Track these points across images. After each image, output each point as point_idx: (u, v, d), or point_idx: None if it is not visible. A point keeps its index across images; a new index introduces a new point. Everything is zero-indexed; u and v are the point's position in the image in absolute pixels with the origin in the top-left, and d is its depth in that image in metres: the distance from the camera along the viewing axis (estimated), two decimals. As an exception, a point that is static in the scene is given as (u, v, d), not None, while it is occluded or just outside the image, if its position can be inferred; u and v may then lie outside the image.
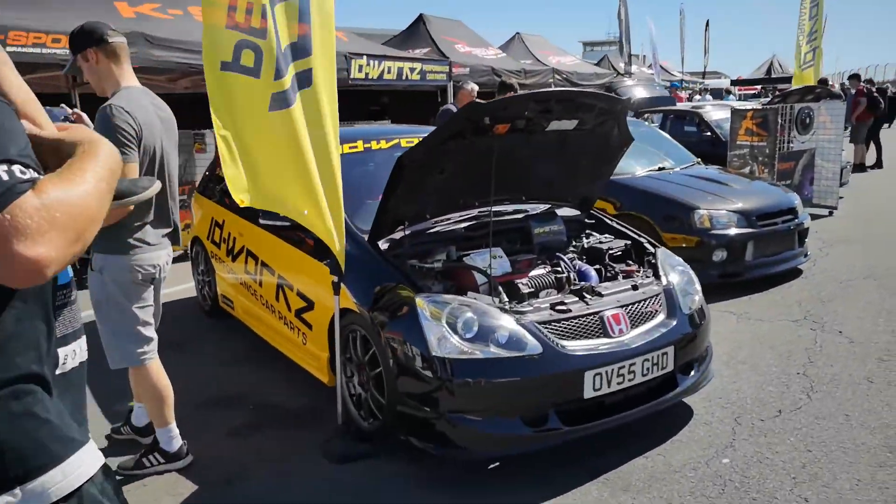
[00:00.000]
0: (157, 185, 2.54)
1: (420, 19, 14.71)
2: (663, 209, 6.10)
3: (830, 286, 6.04)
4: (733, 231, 5.91)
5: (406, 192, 3.34)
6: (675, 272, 3.77)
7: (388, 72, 11.04)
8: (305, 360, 4.04)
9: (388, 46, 14.54)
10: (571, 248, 3.97)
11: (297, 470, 3.34)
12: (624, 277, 3.68)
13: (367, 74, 10.52)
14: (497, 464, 3.24)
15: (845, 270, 6.52)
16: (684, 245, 5.91)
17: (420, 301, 3.09)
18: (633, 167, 6.86)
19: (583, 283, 3.52)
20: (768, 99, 14.55)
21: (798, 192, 9.39)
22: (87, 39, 3.06)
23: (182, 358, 4.97)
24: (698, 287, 3.81)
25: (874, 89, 14.04)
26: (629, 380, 3.20)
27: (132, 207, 2.58)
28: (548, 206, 4.23)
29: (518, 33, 19.11)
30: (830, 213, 9.48)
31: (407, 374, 3.08)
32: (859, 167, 13.34)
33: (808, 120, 9.32)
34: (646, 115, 13.10)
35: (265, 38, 3.13)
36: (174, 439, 3.29)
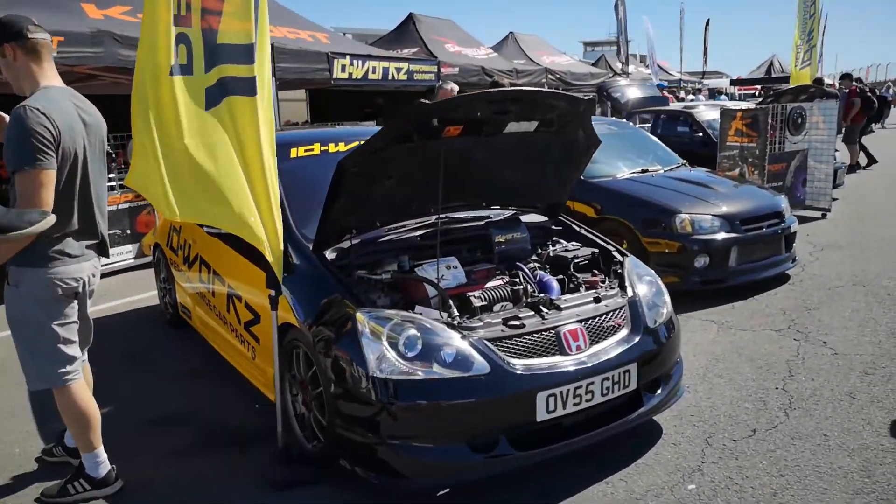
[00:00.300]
0: (50, 220, 2.32)
1: (410, 19, 14.51)
2: (644, 213, 5.88)
3: (817, 293, 5.81)
4: (716, 236, 5.69)
5: (350, 199, 3.13)
6: (643, 283, 3.55)
7: (373, 72, 10.83)
8: (254, 376, 3.83)
9: (375, 46, 14.36)
10: (534, 258, 3.75)
11: (234, 496, 3.12)
12: (587, 289, 3.46)
13: (350, 75, 10.31)
14: (447, 490, 3.02)
15: (834, 276, 6.29)
16: (666, 250, 5.69)
17: (360, 316, 2.88)
18: (616, 169, 6.65)
19: (541, 295, 3.30)
20: (759, 99, 14.32)
21: (790, 194, 9.20)
22: (3, 33, 2.84)
23: (134, 371, 4.76)
24: (667, 299, 3.59)
25: (867, 89, 13.81)
26: (587, 400, 2.98)
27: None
28: (512, 212, 4.02)
29: (512, 33, 18.92)
30: (823, 216, 9.26)
31: (346, 395, 2.86)
32: (853, 168, 13.11)
33: (799, 120, 9.10)
34: (633, 115, 12.90)
35: (191, 26, 2.94)
36: (101, 464, 3.07)
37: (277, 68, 8.93)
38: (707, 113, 11.03)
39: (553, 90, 3.37)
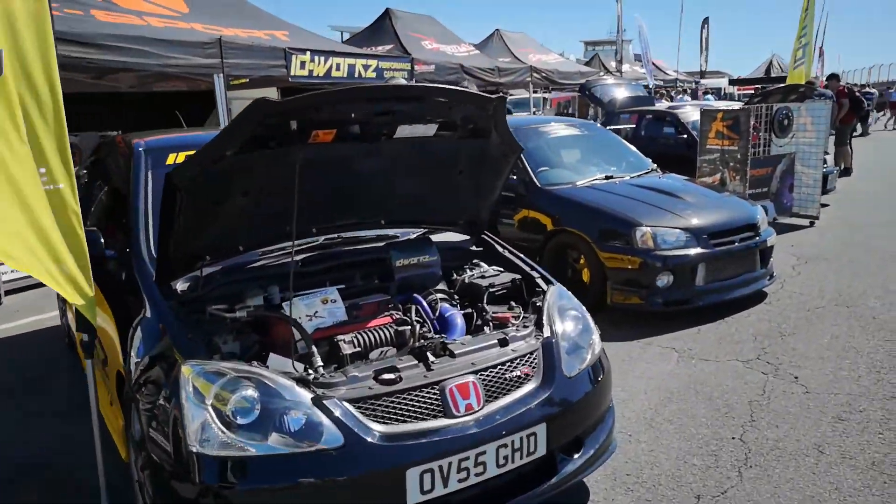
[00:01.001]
0: None
1: (386, 14, 13.89)
2: (601, 225, 5.28)
3: (795, 315, 5.21)
4: (681, 251, 5.08)
5: (192, 219, 2.53)
6: (567, 319, 2.95)
7: (337, 69, 10.22)
8: (111, 423, 3.24)
9: (349, 44, 13.77)
10: (438, 288, 3.14)
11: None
12: (496, 326, 2.86)
13: (311, 72, 9.70)
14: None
15: (816, 294, 5.69)
16: (629, 266, 5.09)
17: (186, 370, 2.28)
18: (576, 175, 6.05)
19: (435, 337, 2.70)
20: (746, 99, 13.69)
21: (776, 201, 8.60)
22: None
23: (7, 406, 4.18)
24: (595, 338, 2.99)
25: (857, 90, 13.18)
26: (478, 474, 2.39)
27: None
28: (422, 231, 3.43)
29: (497, 30, 18.30)
30: (811, 224, 8.65)
31: (166, 470, 2.27)
32: (846, 172, 12.49)
33: (786, 122, 8.49)
34: (616, 115, 12.29)
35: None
36: None
37: (226, 64, 8.36)
38: (693, 114, 10.41)
39: (452, 88, 2.75)
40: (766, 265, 5.61)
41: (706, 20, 33.31)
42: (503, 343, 2.68)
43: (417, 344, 2.63)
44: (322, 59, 9.90)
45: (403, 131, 2.72)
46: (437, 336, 2.71)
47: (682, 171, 8.50)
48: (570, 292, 3.17)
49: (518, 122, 6.77)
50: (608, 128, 12.35)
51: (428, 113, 2.73)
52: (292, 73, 9.37)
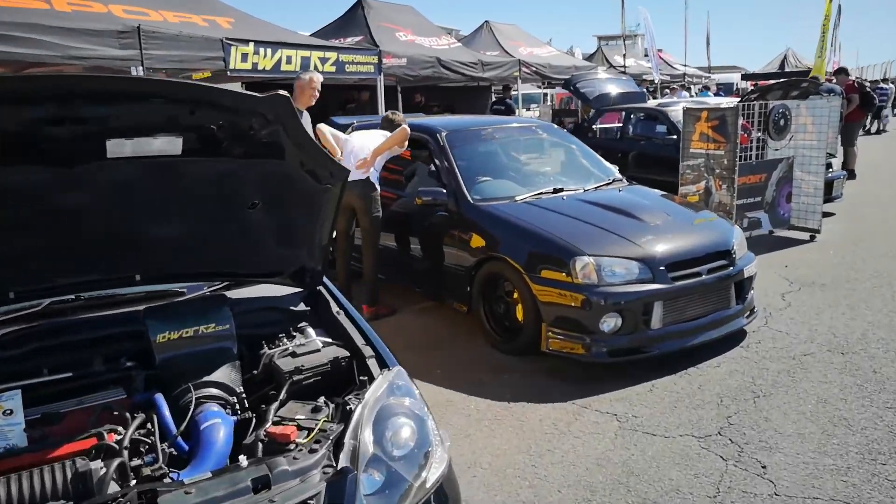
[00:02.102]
0: None
1: (359, 4, 12.89)
2: (535, 251, 4.29)
3: (775, 366, 4.19)
4: (632, 287, 4.08)
5: None
6: (394, 430, 1.96)
7: (288, 62, 9.27)
8: None
9: (316, 37, 12.80)
10: (213, 379, 2.15)
11: None
12: (269, 449, 1.88)
13: (255, 65, 8.76)
14: None
15: (805, 336, 4.66)
16: (569, 304, 4.09)
17: None
18: (519, 188, 5.05)
19: (154, 474, 1.73)
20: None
21: (771, 212, 7.54)
22: None
23: None
24: (435, 459, 2.00)
25: (868, 85, 12.04)
26: None
27: None
28: (221, 283, 2.46)
29: (487, 22, 17.27)
30: (812, 238, 7.59)
31: None
32: (852, 175, 11.35)
33: (783, 121, 7.43)
34: (601, 113, 11.26)
35: None
36: None
37: (146, 56, 7.42)
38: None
39: (190, 81, 1.80)
40: (744, 300, 4.59)
41: (709, 14, 31.89)
42: (260, 486, 1.70)
43: (140, 482, 1.66)
44: (269, 50, 8.96)
45: (117, 148, 1.75)
46: (158, 472, 1.73)
47: (672, 174, 7.54)
48: (410, 383, 2.17)
49: (459, 124, 5.77)
50: (596, 125, 11.41)
51: (152, 121, 1.76)
52: (232, 67, 8.44)
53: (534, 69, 15.59)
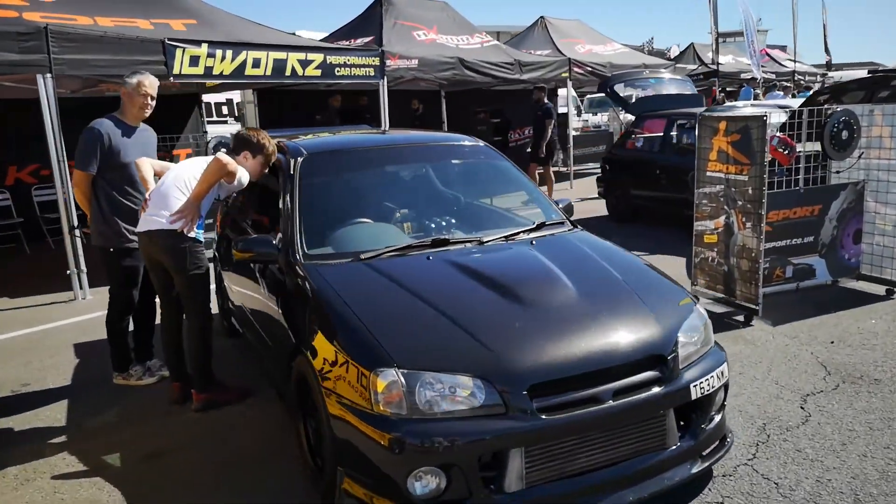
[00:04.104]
0: None
1: (378, 2, 11.56)
2: (334, 347, 2.72)
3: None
4: (469, 424, 2.45)
5: None
6: None
7: (255, 66, 8.07)
8: None
9: (326, 40, 11.62)
10: None
11: None
12: None
13: (209, 69, 7.61)
14: None
15: (806, 496, 2.83)
16: (373, 443, 2.47)
17: None
18: (380, 239, 3.46)
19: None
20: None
21: (831, 256, 5.53)
22: None
23: None
24: None
25: None
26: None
27: None
28: None
29: (542, 17, 15.55)
30: (890, 295, 5.51)
31: None
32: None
33: (845, 133, 5.39)
34: (643, 119, 9.36)
35: None
36: None
37: (56, 60, 6.42)
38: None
39: None
40: (696, 433, 2.81)
41: (823, 4, 28.40)
42: None
43: None
44: (229, 52, 7.79)
45: None
46: None
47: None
48: None
49: (335, 144, 4.27)
50: (636, 135, 9.50)
51: None
52: (176, 71, 7.32)
53: (589, 69, 13.70)
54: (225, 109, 17.18)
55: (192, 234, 3.67)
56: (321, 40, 11.66)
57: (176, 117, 11.67)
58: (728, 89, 26.71)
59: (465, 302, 2.87)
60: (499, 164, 4.23)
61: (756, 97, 19.18)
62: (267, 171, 3.96)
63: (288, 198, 3.60)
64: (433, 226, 3.72)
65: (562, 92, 15.80)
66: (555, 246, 3.48)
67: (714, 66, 22.17)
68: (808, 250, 5.45)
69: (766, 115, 4.77)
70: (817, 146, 5.39)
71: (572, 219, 3.94)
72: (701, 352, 2.92)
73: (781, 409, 3.62)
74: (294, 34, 14.92)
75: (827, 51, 29.50)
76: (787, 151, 5.14)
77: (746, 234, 5.01)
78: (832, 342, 4.56)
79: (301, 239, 3.36)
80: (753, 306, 5.01)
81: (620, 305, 2.92)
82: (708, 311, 5.33)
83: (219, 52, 7.66)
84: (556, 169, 16.42)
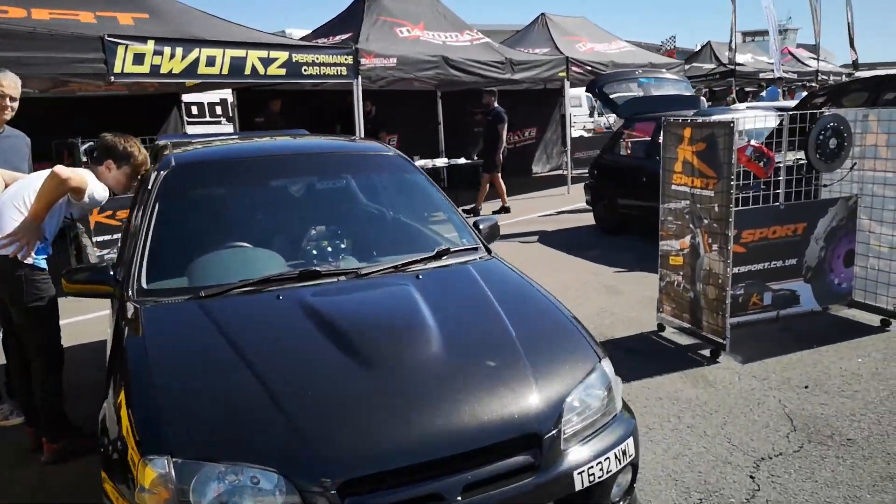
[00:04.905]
0: None
1: (361, -1, 11.00)
2: (118, 416, 2.16)
3: None
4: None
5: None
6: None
7: (210, 64, 7.57)
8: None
9: (306, 39, 11.10)
10: None
11: None
12: None
13: (155, 67, 7.11)
14: None
15: None
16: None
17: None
18: (238, 269, 2.89)
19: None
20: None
21: (818, 282, 4.87)
22: None
23: None
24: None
25: None
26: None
27: None
28: None
29: (543, 14, 14.88)
30: (884, 326, 4.82)
31: None
32: None
33: (834, 141, 4.71)
34: (631, 123, 8.69)
35: None
36: None
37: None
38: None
39: None
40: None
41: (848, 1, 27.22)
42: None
43: None
44: (179, 50, 7.28)
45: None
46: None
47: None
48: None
49: (212, 155, 3.68)
50: (623, 139, 8.83)
51: None
52: (117, 70, 6.83)
53: (589, 68, 13.02)
54: (218, 109, 16.69)
55: (29, 261, 3.14)
56: (302, 38, 11.15)
57: (153, 118, 11.23)
58: (747, 89, 25.80)
59: (295, 363, 2.28)
60: (412, 178, 3.63)
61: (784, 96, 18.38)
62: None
63: (140, 218, 3.05)
64: (315, 252, 3.14)
65: (573, 91, 15.12)
66: (444, 282, 2.87)
67: (732, 66, 21.34)
68: (790, 274, 4.78)
69: (733, 122, 4.12)
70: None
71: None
72: (599, 423, 2.31)
73: (727, 478, 3.00)
74: (283, 32, 14.51)
75: (853, 48, 28.32)
76: (763, 162, 4.47)
77: (713, 256, 4.37)
78: (806, 386, 3.91)
79: (139, 270, 2.80)
80: (720, 340, 4.37)
81: (496, 367, 2.31)
82: (674, 344, 4.78)
83: (167, 50, 7.15)
84: (557, 172, 15.79)
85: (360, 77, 9.13)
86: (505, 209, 10.82)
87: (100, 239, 6.82)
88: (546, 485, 2.09)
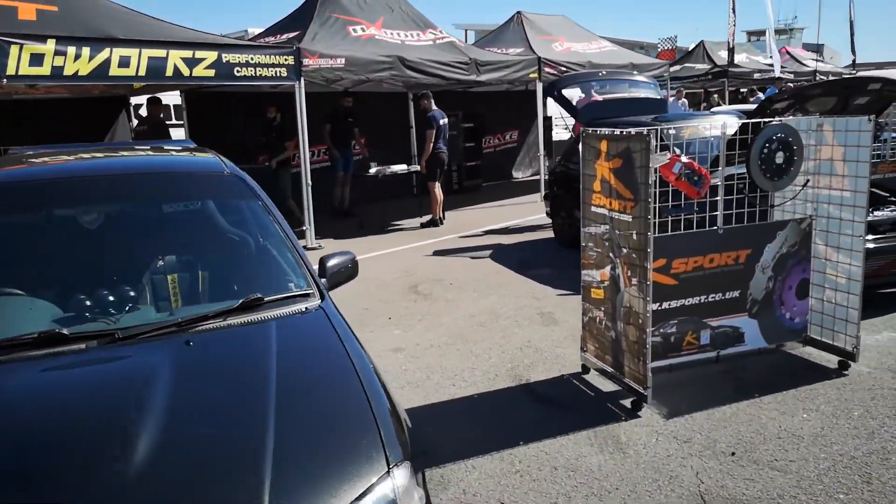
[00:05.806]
0: None
1: (315, -4, 10.33)
2: None
3: None
4: None
5: None
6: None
7: (124, 65, 6.93)
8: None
9: (259, 38, 10.46)
10: None
11: None
12: None
13: (58, 69, 6.49)
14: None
15: None
16: None
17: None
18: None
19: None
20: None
21: (765, 317, 4.18)
22: None
23: None
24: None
25: None
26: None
27: None
28: None
29: (519, 12, 14.18)
30: (841, 370, 4.14)
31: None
32: None
33: (781, 155, 4.03)
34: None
35: None
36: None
37: None
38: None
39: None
40: None
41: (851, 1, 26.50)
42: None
43: None
44: (86, 49, 6.65)
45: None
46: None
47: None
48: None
49: (16, 176, 3.04)
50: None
51: None
52: (11, 72, 6.21)
53: (563, 69, 12.33)
54: (172, 113, 16.09)
55: None
56: (250, 39, 10.52)
57: (98, 122, 10.61)
58: (742, 89, 25.05)
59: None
60: (244, 203, 2.98)
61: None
62: None
63: None
64: (91, 303, 2.49)
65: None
66: (218, 354, 2.22)
67: (725, 66, 20.65)
68: (732, 309, 4.11)
69: (648, 134, 3.45)
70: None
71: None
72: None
73: None
74: (245, 32, 13.93)
75: (853, 50, 27.60)
76: (695, 181, 3.80)
77: (632, 292, 3.70)
78: (733, 453, 3.24)
79: None
80: (641, 390, 3.70)
81: (225, 492, 1.65)
82: (594, 391, 4.10)
83: (71, 50, 6.53)
84: (537, 178, 15.03)
85: (302, 79, 8.49)
86: (433, 222, 10.06)
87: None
88: None
